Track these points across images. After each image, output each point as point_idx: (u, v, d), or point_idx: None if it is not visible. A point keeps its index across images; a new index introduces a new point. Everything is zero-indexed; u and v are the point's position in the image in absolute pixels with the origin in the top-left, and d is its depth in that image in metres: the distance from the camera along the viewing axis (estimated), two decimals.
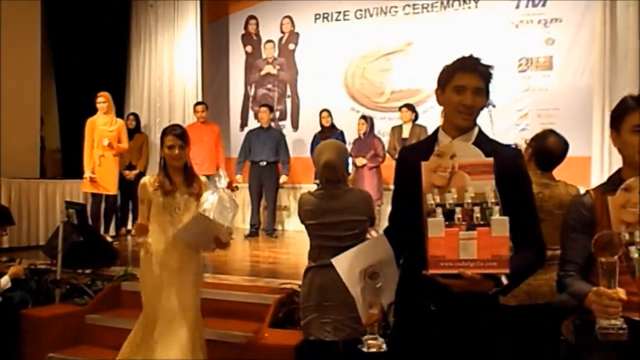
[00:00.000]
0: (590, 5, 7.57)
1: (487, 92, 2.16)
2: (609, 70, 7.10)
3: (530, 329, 3.20)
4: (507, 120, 7.92)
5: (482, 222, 1.89)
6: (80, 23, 8.99)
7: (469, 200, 1.94)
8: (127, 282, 5.06)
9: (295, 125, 9.49)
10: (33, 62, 8.12)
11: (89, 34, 8.98)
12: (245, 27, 9.81)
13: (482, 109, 2.17)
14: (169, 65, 9.12)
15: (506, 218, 1.88)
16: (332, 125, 8.26)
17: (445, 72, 2.19)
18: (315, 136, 8.22)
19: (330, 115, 8.24)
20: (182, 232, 3.40)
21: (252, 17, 9.76)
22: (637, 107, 2.00)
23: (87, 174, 7.24)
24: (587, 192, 2.17)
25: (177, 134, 3.52)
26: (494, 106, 5.67)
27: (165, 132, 3.59)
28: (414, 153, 2.24)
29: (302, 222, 3.46)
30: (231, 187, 3.29)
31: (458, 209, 1.93)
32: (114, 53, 9.25)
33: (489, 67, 2.15)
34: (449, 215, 1.94)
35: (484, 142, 2.15)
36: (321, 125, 8.29)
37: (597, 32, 7.33)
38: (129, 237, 8.39)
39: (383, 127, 8.44)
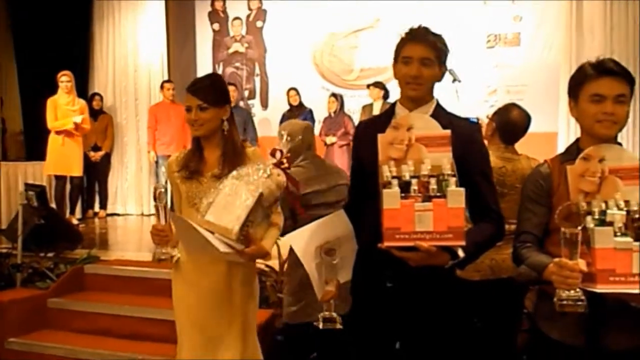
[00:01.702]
0: None
1: (441, 63, 2.12)
2: (576, 46, 7.12)
3: (494, 303, 3.20)
4: (476, 97, 7.90)
5: (438, 194, 1.85)
6: (38, 2, 8.70)
7: (426, 172, 1.90)
8: (90, 264, 4.97)
9: (264, 104, 9.39)
10: None
11: (50, 10, 8.70)
12: (212, 4, 9.62)
13: (436, 80, 2.13)
14: (133, 44, 8.89)
15: (462, 189, 1.85)
16: (301, 104, 8.17)
17: (397, 45, 2.16)
18: (283, 115, 8.11)
19: (298, 93, 8.15)
20: (181, 240, 2.48)
21: None
22: (595, 75, 1.96)
23: (71, 124, 7.07)
24: (545, 161, 2.15)
25: (194, 89, 2.47)
26: (459, 81, 5.62)
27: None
28: (372, 127, 2.20)
29: None
30: (283, 164, 2.32)
31: (414, 181, 1.89)
32: (77, 30, 8.99)
33: (439, 37, 2.12)
34: (405, 187, 1.90)
35: (442, 115, 2.12)
36: (289, 104, 8.20)
37: (563, 9, 7.34)
38: (96, 220, 8.26)
39: (353, 106, 8.38)
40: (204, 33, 9.67)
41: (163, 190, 2.44)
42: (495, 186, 2.17)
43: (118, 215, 8.66)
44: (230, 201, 2.23)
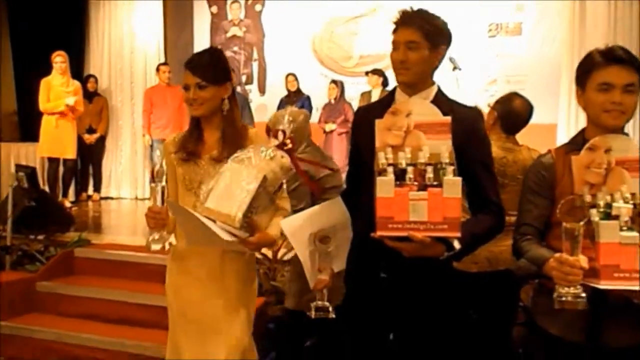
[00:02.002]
0: None
1: (434, 45, 2.02)
2: (578, 38, 7.02)
3: (490, 295, 3.14)
4: (476, 86, 7.81)
5: (434, 183, 1.78)
6: None
7: (423, 160, 1.82)
8: (80, 248, 4.89)
9: (262, 90, 9.28)
10: None
11: None
12: None
13: (429, 63, 2.03)
14: (129, 26, 8.76)
15: (459, 179, 1.78)
16: (298, 90, 8.08)
17: (392, 31, 2.08)
18: (281, 101, 8.05)
19: (296, 79, 8.05)
20: (183, 230, 2.34)
21: None
22: (604, 63, 1.88)
23: (63, 106, 6.97)
24: (548, 151, 2.07)
25: (192, 66, 2.30)
26: (460, 69, 5.55)
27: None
28: (371, 113, 2.12)
29: None
30: (286, 145, 2.19)
31: (410, 169, 1.82)
32: (73, 11, 8.86)
33: (430, 17, 2.03)
34: (400, 175, 1.83)
35: (443, 102, 2.03)
36: (287, 89, 8.10)
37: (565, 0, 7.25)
38: (90, 203, 8.18)
39: (352, 93, 8.28)
40: (202, 16, 9.54)
41: (162, 167, 2.34)
42: (496, 177, 2.09)
43: (112, 198, 8.58)
44: (231, 187, 2.09)
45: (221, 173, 2.14)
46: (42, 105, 7.09)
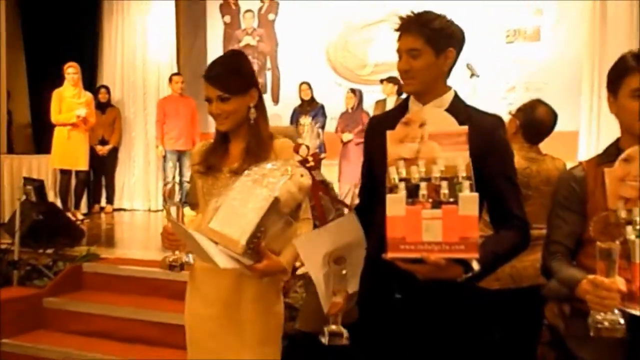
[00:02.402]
0: None
1: (440, 49, 1.87)
2: (599, 41, 6.81)
3: (513, 313, 2.99)
4: (494, 94, 7.64)
5: (450, 200, 1.62)
6: None
7: (438, 175, 1.66)
8: (89, 263, 4.79)
9: (275, 99, 9.18)
10: None
11: (60, 2, 8.55)
12: None
13: (437, 69, 1.89)
14: (142, 37, 8.71)
15: (475, 195, 1.61)
16: (312, 99, 7.95)
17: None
18: (294, 110, 7.95)
19: (310, 88, 7.92)
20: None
21: None
22: (638, 67, 1.72)
23: (74, 118, 6.91)
24: (580, 163, 1.91)
25: (211, 77, 2.10)
26: (477, 76, 5.38)
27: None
28: (384, 122, 1.97)
29: None
30: (308, 162, 2.15)
31: (423, 184, 1.66)
32: (86, 23, 8.85)
33: (431, 20, 1.87)
34: (414, 191, 1.67)
35: (460, 109, 1.88)
36: (301, 98, 7.98)
37: (586, 1, 7.02)
38: (102, 215, 8.11)
39: (367, 101, 8.13)
40: (215, 26, 9.48)
41: (173, 187, 2.20)
42: (520, 189, 1.94)
43: (125, 210, 8.50)
44: (238, 206, 1.88)
45: (231, 189, 1.94)
46: (54, 117, 7.05)
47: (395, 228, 1.63)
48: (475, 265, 1.70)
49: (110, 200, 8.31)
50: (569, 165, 3.14)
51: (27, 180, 5.32)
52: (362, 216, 2.06)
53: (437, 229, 1.61)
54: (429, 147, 1.73)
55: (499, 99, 7.67)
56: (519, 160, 2.96)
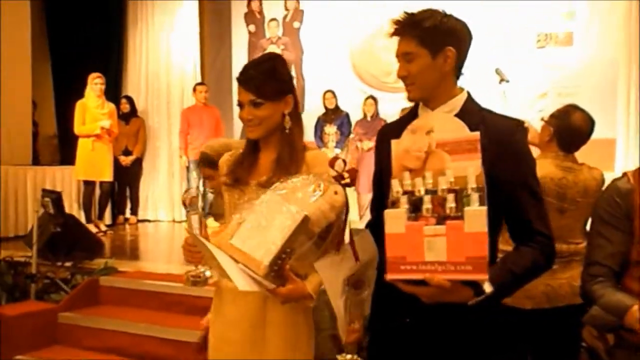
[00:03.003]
0: None
1: (437, 50, 1.70)
2: (635, 44, 6.53)
3: (548, 335, 2.80)
4: (524, 100, 7.38)
5: (457, 214, 1.45)
6: (75, 4, 8.60)
7: (445, 186, 1.49)
8: (106, 276, 4.70)
9: (300, 108, 9.03)
10: (24, 44, 7.75)
11: (85, 14, 8.61)
12: (248, 5, 9.34)
13: (437, 71, 1.72)
14: (166, 46, 8.70)
15: (483, 209, 1.43)
16: (337, 108, 7.81)
17: None
18: (319, 119, 7.81)
19: (334, 96, 7.78)
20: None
21: None
22: None
23: (98, 128, 6.91)
24: (624, 175, 1.72)
25: (244, 80, 1.95)
26: (507, 81, 5.13)
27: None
28: (394, 130, 1.81)
29: None
30: (344, 178, 1.78)
31: (427, 198, 1.49)
32: (111, 33, 8.88)
33: (417, 22, 1.71)
34: (417, 205, 1.50)
35: (473, 112, 1.71)
36: (325, 107, 7.84)
37: (621, 3, 6.77)
38: (127, 226, 8.08)
39: (391, 109, 7.93)
40: (239, 35, 9.40)
41: (195, 196, 2.06)
42: (542, 201, 1.73)
43: (149, 221, 8.46)
44: (263, 223, 1.69)
45: (257, 204, 1.75)
46: (77, 128, 7.03)
47: (395, 246, 1.48)
48: (487, 287, 1.52)
49: (134, 212, 8.29)
50: (607, 176, 2.95)
51: (46, 192, 5.28)
52: (375, 232, 1.90)
53: (441, 247, 1.44)
54: (437, 157, 1.57)
55: (529, 106, 7.40)
56: (553, 170, 2.79)
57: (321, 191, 1.69)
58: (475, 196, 1.44)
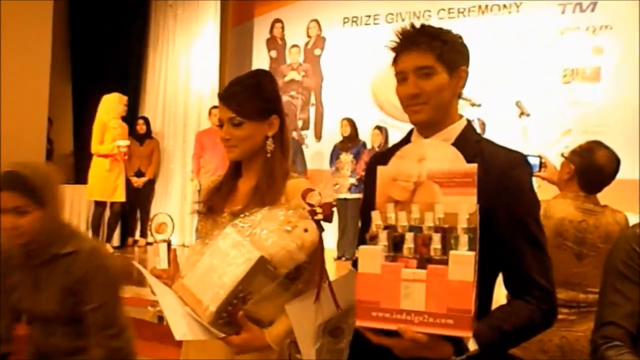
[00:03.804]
0: None
1: (453, 69, 1.52)
2: None
3: None
4: (548, 137, 7.14)
5: (442, 257, 1.24)
6: (99, 23, 8.63)
7: (431, 224, 1.29)
8: None
9: (318, 136, 8.91)
10: (43, 61, 7.74)
11: (108, 33, 8.63)
12: (271, 31, 9.30)
13: (452, 92, 1.53)
14: (186, 69, 8.67)
15: (471, 254, 1.23)
16: (355, 136, 7.64)
17: (392, 59, 1.57)
18: (335, 147, 7.66)
19: (349, 124, 7.60)
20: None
21: (278, 20, 9.25)
22: None
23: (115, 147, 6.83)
24: None
25: (224, 96, 1.80)
26: (528, 115, 4.93)
27: None
28: (385, 159, 1.62)
29: None
30: (316, 213, 1.54)
31: (410, 235, 1.28)
32: (132, 53, 8.88)
33: (439, 32, 1.53)
34: (399, 243, 1.30)
35: (470, 142, 1.51)
36: (342, 135, 7.69)
37: None
38: (135, 249, 7.94)
39: None
40: (261, 60, 9.33)
41: (164, 222, 1.88)
42: (544, 248, 1.51)
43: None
44: (215, 263, 1.51)
45: (215, 239, 1.56)
46: (95, 147, 6.96)
47: (368, 289, 1.27)
48: (472, 345, 1.30)
49: (143, 234, 8.15)
50: (630, 219, 2.71)
51: None
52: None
53: (420, 295, 1.23)
54: (427, 189, 1.37)
55: (552, 142, 7.16)
56: (573, 212, 2.57)
57: (289, 227, 1.49)
58: (464, 238, 1.23)
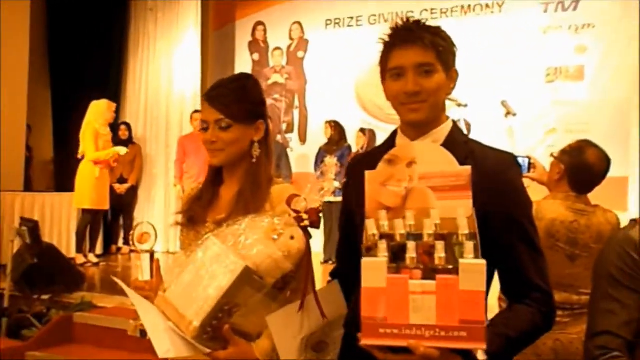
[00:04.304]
0: (627, 10, 6.78)
1: (449, 68, 1.46)
2: None
3: None
4: (532, 136, 7.12)
5: (448, 267, 1.17)
6: (78, 28, 8.50)
7: (431, 231, 1.22)
8: (82, 313, 4.40)
9: (302, 139, 8.84)
10: (21, 67, 7.60)
11: (88, 38, 8.50)
12: (253, 34, 9.22)
13: (446, 92, 1.47)
14: (167, 73, 8.57)
15: (483, 262, 1.16)
16: (340, 139, 7.56)
17: (382, 53, 1.50)
18: (320, 149, 7.58)
19: (332, 126, 7.52)
20: None
21: (260, 23, 9.16)
22: None
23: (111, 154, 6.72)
24: (636, 222, 1.44)
25: (211, 97, 1.70)
26: (514, 114, 4.89)
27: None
28: (365, 162, 1.54)
29: None
30: (303, 220, 1.46)
31: (411, 244, 1.21)
32: (112, 59, 8.75)
33: (438, 31, 1.46)
34: (398, 253, 1.22)
35: (459, 144, 1.45)
36: (327, 137, 7.62)
37: (634, 40, 6.56)
38: (119, 257, 7.81)
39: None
40: (243, 63, 9.24)
41: (147, 232, 1.79)
42: (540, 249, 1.46)
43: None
44: (200, 275, 1.42)
45: (197, 250, 1.48)
46: (93, 154, 6.75)
47: (374, 304, 1.19)
48: (481, 356, 1.24)
49: (127, 241, 8.02)
50: (620, 216, 2.67)
51: (23, 221, 5.01)
52: (342, 281, 1.61)
53: (430, 308, 1.16)
54: (420, 194, 1.30)
55: (537, 142, 7.15)
56: (564, 212, 2.54)
57: (275, 235, 1.41)
58: (470, 245, 1.16)
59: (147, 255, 1.69)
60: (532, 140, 7.04)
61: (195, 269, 1.44)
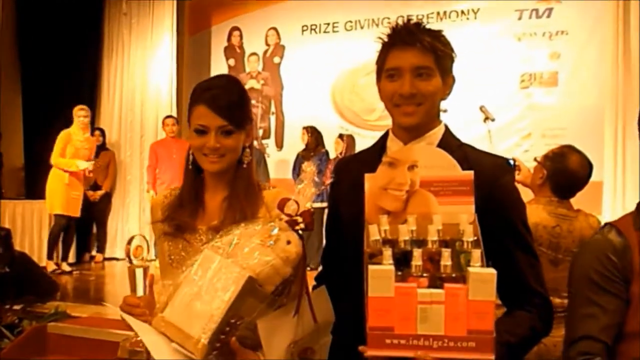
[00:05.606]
0: (600, 17, 6.88)
1: (446, 73, 1.46)
2: (622, 87, 6.41)
3: None
4: (508, 141, 7.18)
5: (453, 275, 1.14)
6: (50, 32, 8.34)
7: (435, 237, 1.19)
8: (56, 323, 4.28)
9: (279, 144, 8.79)
10: None
11: (60, 44, 8.33)
12: (229, 40, 9.15)
13: (442, 97, 1.47)
14: (141, 78, 8.46)
15: (493, 272, 1.13)
16: (317, 145, 7.54)
17: (379, 53, 1.51)
18: (298, 155, 7.56)
19: (308, 133, 7.50)
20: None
21: (236, 28, 9.09)
22: None
23: (75, 167, 6.57)
24: (612, 226, 1.42)
25: (215, 104, 1.60)
26: (492, 119, 4.90)
27: (193, 99, 1.67)
28: (356, 165, 1.51)
29: None
30: (297, 223, 1.42)
31: (417, 252, 1.17)
32: (85, 64, 8.61)
33: (438, 34, 1.46)
34: (403, 260, 1.19)
35: (453, 148, 1.42)
36: (304, 143, 7.59)
37: (608, 46, 6.65)
38: (92, 265, 7.66)
39: None
40: (218, 69, 9.16)
41: (140, 245, 1.71)
42: (537, 255, 1.47)
43: (117, 260, 8.01)
44: (200, 290, 1.37)
45: (192, 264, 1.42)
46: (55, 158, 6.64)
47: (381, 314, 1.16)
48: None
49: (101, 249, 7.89)
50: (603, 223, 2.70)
51: None
52: (328, 287, 1.57)
53: (438, 318, 1.14)
54: (421, 198, 1.27)
55: (513, 146, 7.21)
56: (546, 217, 2.58)
57: (272, 241, 1.36)
58: (477, 253, 1.14)
59: (141, 270, 1.61)
60: (508, 144, 7.10)
61: (192, 284, 1.38)
